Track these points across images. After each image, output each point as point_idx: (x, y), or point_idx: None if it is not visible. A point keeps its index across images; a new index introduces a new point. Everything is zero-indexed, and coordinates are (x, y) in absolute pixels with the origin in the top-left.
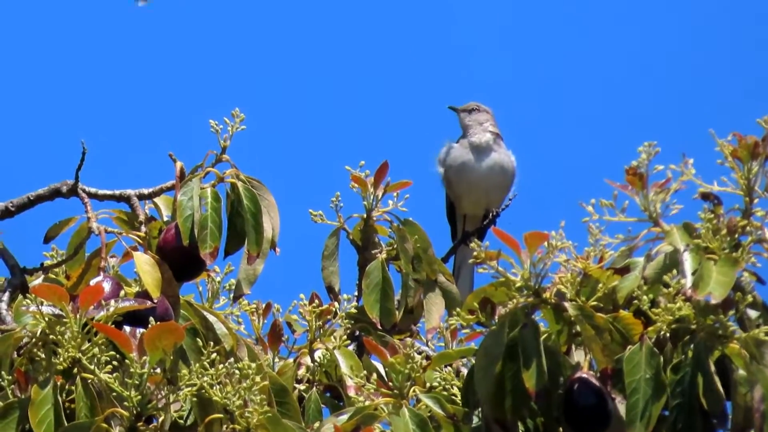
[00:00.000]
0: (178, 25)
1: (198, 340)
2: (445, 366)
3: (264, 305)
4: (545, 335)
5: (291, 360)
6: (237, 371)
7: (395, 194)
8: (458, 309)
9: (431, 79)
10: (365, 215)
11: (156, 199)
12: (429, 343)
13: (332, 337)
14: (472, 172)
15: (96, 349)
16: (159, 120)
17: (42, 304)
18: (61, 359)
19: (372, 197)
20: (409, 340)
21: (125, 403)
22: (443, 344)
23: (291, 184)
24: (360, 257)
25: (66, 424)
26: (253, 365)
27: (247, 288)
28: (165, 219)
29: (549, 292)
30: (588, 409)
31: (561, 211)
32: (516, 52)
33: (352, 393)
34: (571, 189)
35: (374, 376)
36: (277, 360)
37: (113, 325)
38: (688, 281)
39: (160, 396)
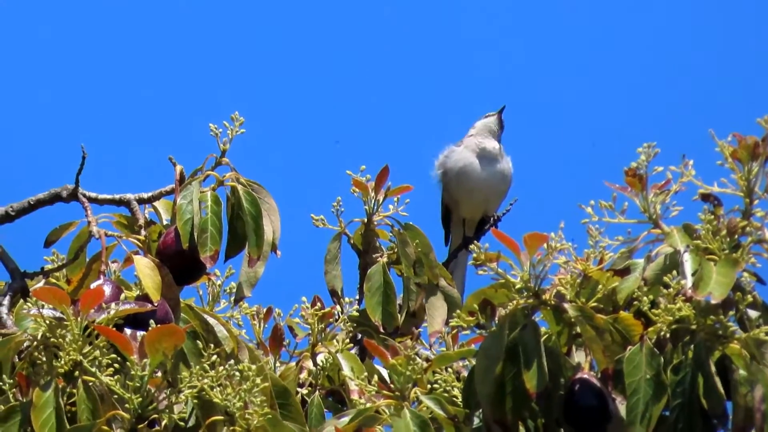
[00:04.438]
0: (178, 28)
1: (198, 342)
2: (446, 368)
3: (265, 310)
4: (545, 336)
5: (293, 363)
6: (237, 373)
7: (396, 199)
8: (458, 311)
9: (432, 83)
10: (366, 219)
11: (156, 203)
12: (431, 348)
13: (334, 341)
14: (475, 177)
15: (97, 352)
16: (159, 124)
17: (43, 307)
18: (63, 362)
19: (373, 201)
20: (409, 341)
21: (126, 405)
22: (445, 348)
23: (292, 188)
24: (361, 261)
25: (68, 426)
26: (254, 367)
27: (248, 291)
28: (165, 223)
29: (549, 293)
30: (589, 409)
31: (560, 212)
32: (516, 53)
33: (355, 396)
34: (571, 190)
35: (375, 378)
36: (278, 364)
37: (114, 328)
38: (689, 282)
39: (161, 398)
